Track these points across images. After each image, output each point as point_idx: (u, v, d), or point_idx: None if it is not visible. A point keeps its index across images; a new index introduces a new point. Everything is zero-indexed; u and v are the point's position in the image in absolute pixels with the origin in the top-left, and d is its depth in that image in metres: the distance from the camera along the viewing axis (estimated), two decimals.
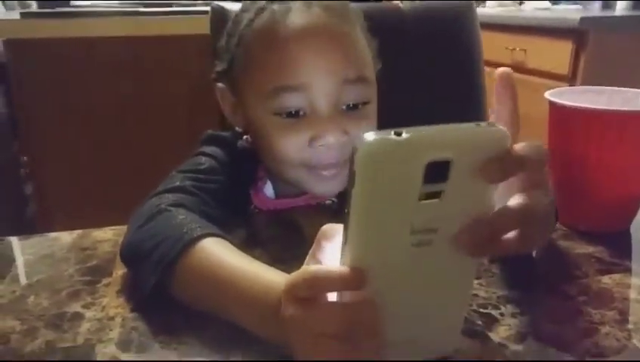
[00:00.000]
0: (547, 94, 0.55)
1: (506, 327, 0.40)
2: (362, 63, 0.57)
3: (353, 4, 0.60)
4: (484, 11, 2.24)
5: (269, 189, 0.63)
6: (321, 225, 0.35)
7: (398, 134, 0.26)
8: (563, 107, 0.53)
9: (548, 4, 2.28)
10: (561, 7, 2.32)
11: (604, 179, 0.52)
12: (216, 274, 0.40)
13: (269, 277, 0.37)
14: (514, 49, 1.94)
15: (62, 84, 1.37)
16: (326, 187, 0.58)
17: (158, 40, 1.37)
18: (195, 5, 1.67)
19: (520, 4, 2.30)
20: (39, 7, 1.87)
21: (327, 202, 0.61)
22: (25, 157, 1.55)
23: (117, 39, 1.36)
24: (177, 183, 0.53)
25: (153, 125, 1.41)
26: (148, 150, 1.35)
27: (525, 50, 1.92)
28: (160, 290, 0.42)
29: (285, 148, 0.55)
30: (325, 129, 0.54)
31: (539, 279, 0.48)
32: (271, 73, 0.54)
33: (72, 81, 1.37)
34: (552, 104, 0.54)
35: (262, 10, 0.56)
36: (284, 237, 0.56)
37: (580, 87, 0.59)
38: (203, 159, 0.59)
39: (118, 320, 0.41)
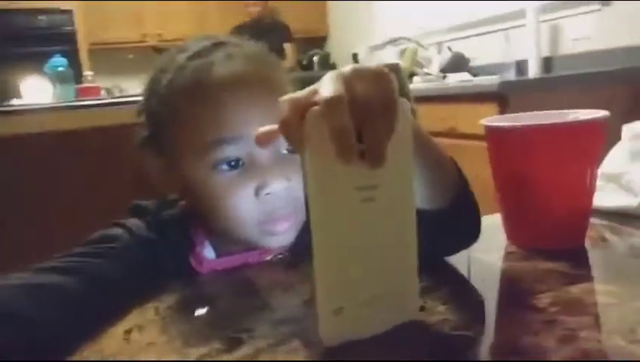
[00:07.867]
0: (483, 121, 0.56)
1: (483, 346, 0.37)
2: None
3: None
4: (414, 87, 2.39)
5: (209, 251, 0.60)
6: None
7: None
8: (499, 129, 0.54)
9: (468, 76, 2.47)
10: (481, 78, 2.51)
11: (548, 195, 0.53)
12: None
13: None
14: (445, 117, 2.06)
15: None
16: (279, 241, 0.56)
17: (96, 131, 1.36)
18: (129, 96, 1.69)
19: (444, 77, 2.47)
20: None
21: (276, 257, 0.59)
22: None
23: (53, 134, 1.33)
24: (51, 264, 0.53)
25: (99, 216, 1.35)
26: None
27: (456, 117, 2.04)
28: None
29: (232, 202, 0.53)
30: (270, 176, 0.53)
31: (507, 297, 0.46)
32: (206, 128, 0.53)
33: (8, 179, 1.31)
34: (488, 129, 0.55)
35: (182, 68, 0.55)
36: (234, 294, 0.52)
37: (512, 114, 0.62)
38: (117, 233, 0.57)
39: None
